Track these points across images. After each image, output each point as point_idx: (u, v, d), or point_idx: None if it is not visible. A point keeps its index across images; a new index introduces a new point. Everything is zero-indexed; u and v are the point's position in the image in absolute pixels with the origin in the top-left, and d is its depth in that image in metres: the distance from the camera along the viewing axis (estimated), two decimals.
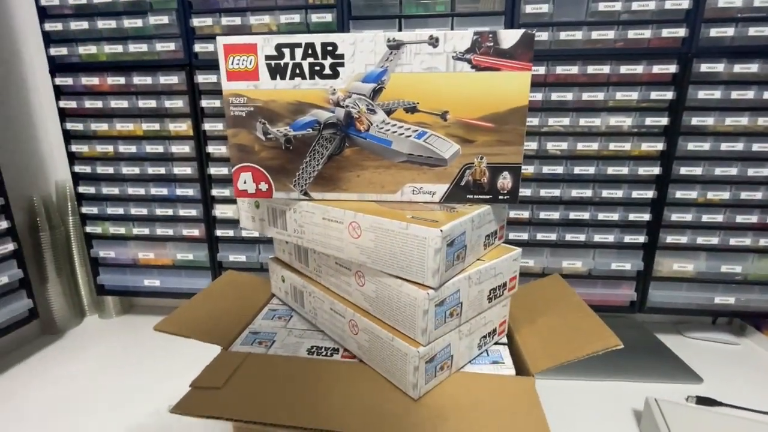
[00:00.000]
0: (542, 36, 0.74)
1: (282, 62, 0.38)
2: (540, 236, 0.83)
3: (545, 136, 0.79)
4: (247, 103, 0.39)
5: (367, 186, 0.40)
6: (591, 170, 0.79)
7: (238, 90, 0.39)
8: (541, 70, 0.76)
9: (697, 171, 0.77)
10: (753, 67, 0.72)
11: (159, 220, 0.91)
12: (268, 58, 0.38)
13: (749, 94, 0.73)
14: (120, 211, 0.91)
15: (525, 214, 0.82)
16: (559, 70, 0.76)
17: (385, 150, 0.39)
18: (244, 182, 0.41)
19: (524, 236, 0.83)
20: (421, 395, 0.37)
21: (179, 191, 0.90)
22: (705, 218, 0.78)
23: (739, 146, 0.75)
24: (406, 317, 0.36)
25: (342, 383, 0.39)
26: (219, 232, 0.90)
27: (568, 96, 0.76)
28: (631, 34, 0.73)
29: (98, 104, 0.87)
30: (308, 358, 0.43)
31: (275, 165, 0.41)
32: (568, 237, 0.82)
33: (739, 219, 0.78)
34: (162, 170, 0.89)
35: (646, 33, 0.72)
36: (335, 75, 0.38)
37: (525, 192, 0.81)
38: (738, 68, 0.73)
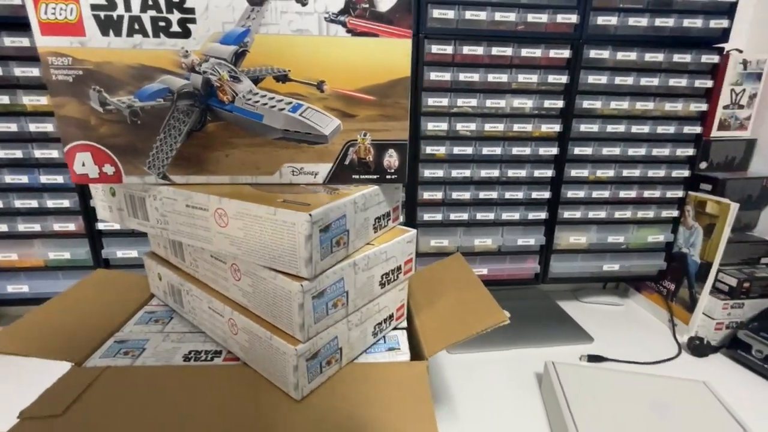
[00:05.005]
0: (449, 14, 0.74)
1: (115, 14, 0.30)
2: (453, 216, 0.84)
3: (455, 117, 0.79)
4: (74, 65, 0.31)
5: (239, 167, 0.35)
6: (498, 151, 0.81)
7: (59, 48, 0.31)
8: (449, 49, 0.76)
9: (588, 151, 0.83)
10: (632, 55, 0.79)
11: (20, 213, 0.76)
12: (94, 8, 0.30)
13: (629, 80, 0.80)
14: None
15: (438, 195, 0.83)
16: (466, 50, 0.76)
17: (255, 125, 0.34)
18: (83, 164, 0.34)
19: (438, 217, 0.84)
20: (305, 395, 0.34)
21: (44, 178, 0.75)
22: (594, 194, 0.86)
23: (621, 128, 0.83)
24: (282, 312, 0.33)
25: (218, 391, 0.35)
26: (102, 225, 0.78)
27: (475, 77, 0.77)
28: (530, 17, 0.75)
29: None
30: (183, 366, 0.38)
31: (121, 143, 0.34)
32: (479, 216, 0.85)
33: (622, 194, 0.86)
34: (18, 153, 0.73)
35: (543, 17, 0.75)
36: (186, 33, 0.32)
37: (438, 173, 0.81)
38: (620, 55, 0.79)
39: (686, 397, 0.61)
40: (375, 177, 0.37)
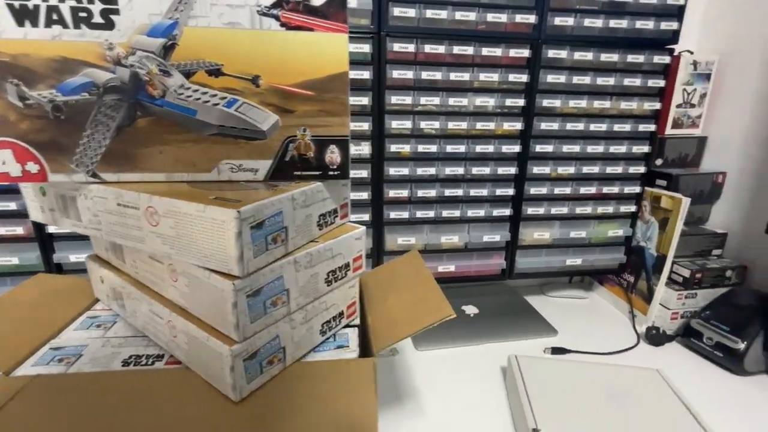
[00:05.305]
0: (410, 12, 0.74)
1: (30, 3, 0.29)
2: (419, 214, 0.85)
3: (419, 115, 0.79)
4: None
5: (174, 164, 0.34)
6: (462, 149, 0.82)
7: None
8: (411, 47, 0.76)
9: (549, 148, 0.85)
10: (589, 56, 0.81)
11: None
12: None
13: (587, 79, 0.83)
14: None
15: (404, 193, 0.83)
16: (428, 48, 0.76)
17: (189, 120, 0.33)
18: (3, 162, 0.32)
19: (405, 215, 0.84)
20: (244, 396, 0.34)
21: None
22: (557, 191, 0.88)
23: (580, 126, 0.85)
24: (218, 312, 0.32)
25: (156, 395, 0.33)
26: (53, 228, 0.75)
27: (438, 75, 0.78)
28: (490, 17, 0.76)
29: None
30: (121, 371, 0.36)
31: (44, 139, 0.32)
32: (445, 213, 0.85)
33: (582, 190, 0.89)
34: None
35: (503, 17, 0.76)
36: (110, 25, 0.30)
37: (403, 171, 0.82)
38: (577, 55, 0.81)
39: (640, 384, 0.63)
40: (317, 173, 0.37)
